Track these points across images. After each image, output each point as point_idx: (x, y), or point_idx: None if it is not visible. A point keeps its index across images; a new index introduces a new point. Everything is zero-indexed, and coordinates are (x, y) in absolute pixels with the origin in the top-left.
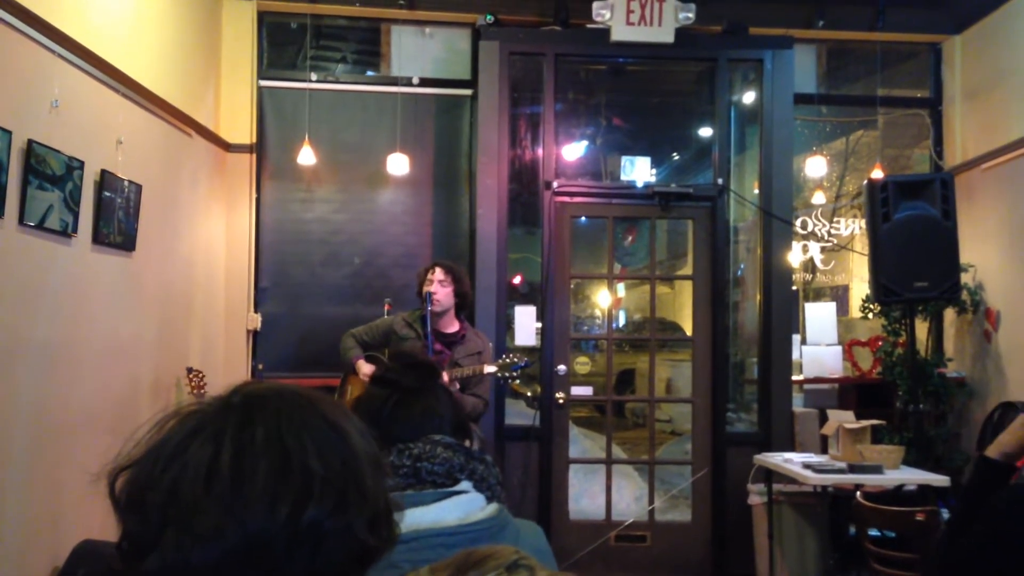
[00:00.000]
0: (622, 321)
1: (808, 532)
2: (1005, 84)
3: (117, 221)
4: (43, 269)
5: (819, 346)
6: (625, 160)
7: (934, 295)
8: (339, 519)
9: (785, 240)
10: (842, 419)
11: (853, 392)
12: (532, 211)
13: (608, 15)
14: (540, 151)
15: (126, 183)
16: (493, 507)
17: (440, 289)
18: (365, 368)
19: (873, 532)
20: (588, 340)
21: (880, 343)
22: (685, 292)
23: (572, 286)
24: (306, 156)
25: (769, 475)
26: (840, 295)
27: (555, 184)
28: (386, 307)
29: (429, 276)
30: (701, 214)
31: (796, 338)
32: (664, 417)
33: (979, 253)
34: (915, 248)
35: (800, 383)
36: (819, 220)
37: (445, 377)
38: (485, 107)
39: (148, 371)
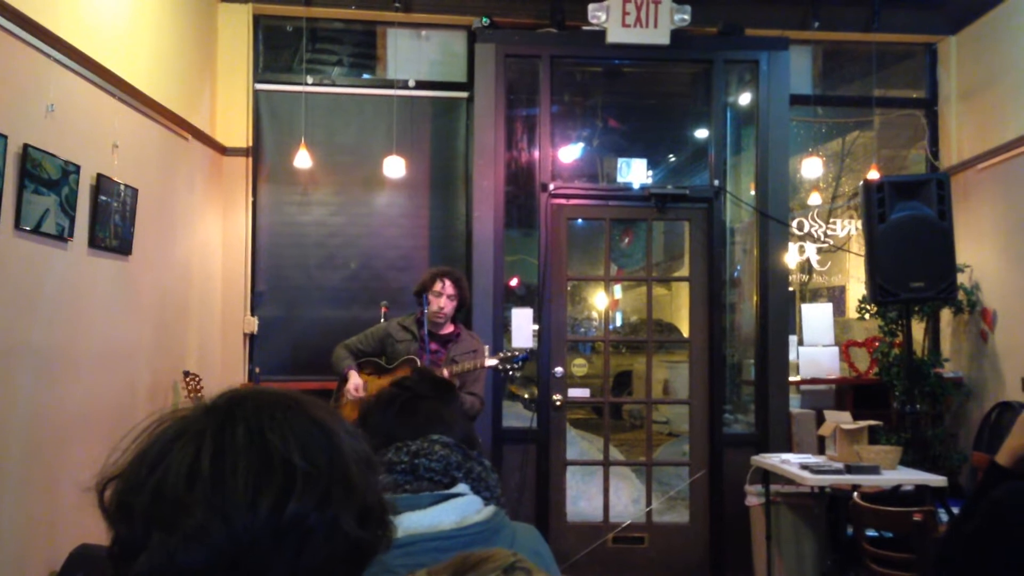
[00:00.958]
0: (619, 323)
1: (805, 533)
2: (1001, 84)
3: (113, 225)
4: (39, 273)
5: (816, 347)
6: (621, 162)
7: (930, 295)
8: (324, 513)
9: (781, 241)
10: (839, 420)
11: (850, 393)
12: (528, 213)
13: (604, 17)
14: (536, 153)
15: (122, 187)
16: (490, 509)
17: (447, 304)
18: (353, 381)
19: (870, 533)
20: (585, 342)
21: (877, 344)
22: (682, 293)
23: (569, 288)
24: (302, 159)
25: (766, 476)
26: (837, 296)
27: (551, 186)
28: (383, 309)
29: (437, 288)
30: (697, 215)
31: (793, 339)
32: (661, 419)
33: (975, 253)
34: (911, 248)
35: (797, 384)
36: (815, 221)
37: (445, 372)
38: (481, 109)
39: (145, 375)
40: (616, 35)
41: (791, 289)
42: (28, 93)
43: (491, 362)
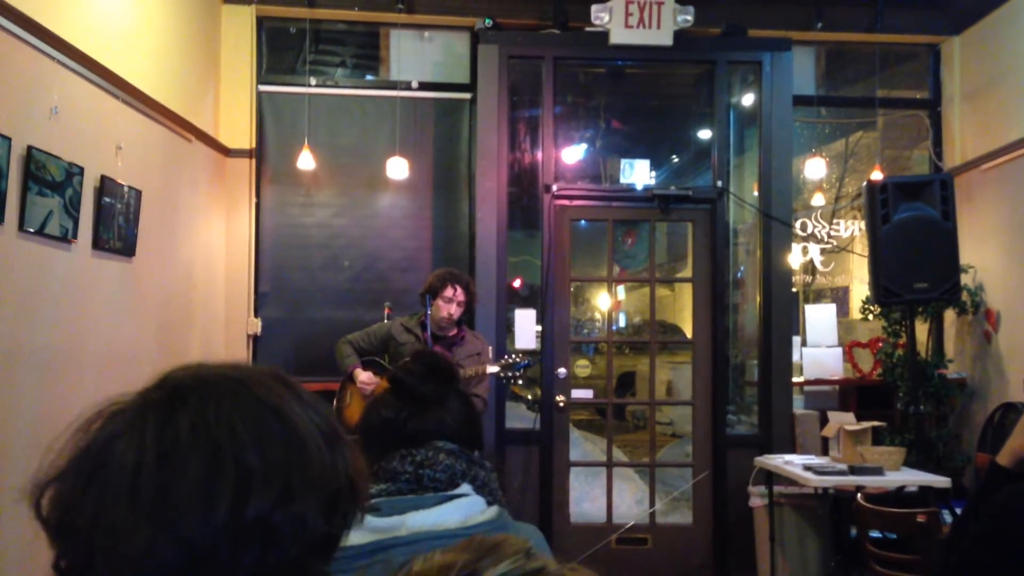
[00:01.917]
0: (622, 324)
1: (809, 534)
2: (1004, 84)
3: (117, 227)
4: (43, 275)
5: (819, 348)
6: (624, 163)
7: (934, 296)
8: (287, 510)
9: (785, 242)
10: (843, 421)
11: (853, 394)
12: (532, 214)
13: (607, 18)
14: (539, 154)
15: (126, 189)
16: (494, 510)
17: (457, 311)
18: (362, 376)
19: (874, 534)
20: (588, 343)
21: (880, 344)
22: (685, 294)
23: (572, 289)
24: (305, 160)
25: (770, 477)
26: (840, 296)
27: (554, 187)
28: (386, 311)
29: (447, 294)
30: (700, 216)
31: (796, 340)
32: (665, 419)
33: (979, 254)
34: (915, 249)
35: (800, 385)
36: (819, 222)
37: None
38: (484, 111)
39: (148, 376)
40: (619, 36)
41: (794, 290)
42: (32, 95)
43: (493, 369)
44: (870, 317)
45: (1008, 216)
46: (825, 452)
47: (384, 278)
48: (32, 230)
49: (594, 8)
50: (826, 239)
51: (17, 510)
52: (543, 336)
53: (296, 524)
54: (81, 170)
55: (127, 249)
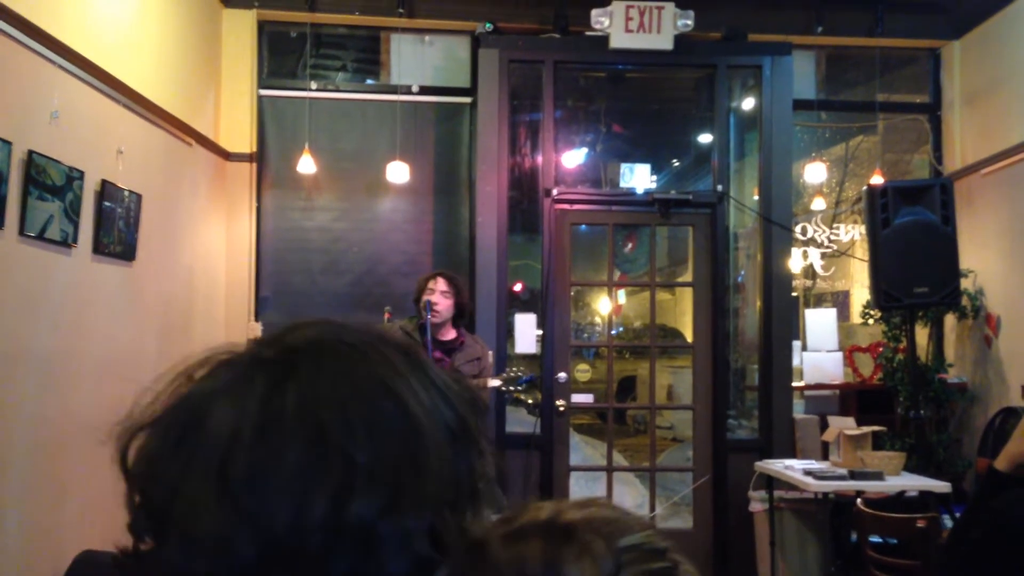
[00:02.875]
0: (623, 328)
1: (810, 539)
2: (1004, 89)
3: (117, 231)
4: (43, 279)
5: (820, 352)
6: (625, 167)
7: (934, 301)
8: (393, 520)
9: (785, 246)
10: (843, 425)
11: (854, 398)
12: (532, 218)
13: (607, 22)
14: (540, 158)
15: (126, 193)
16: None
17: (442, 300)
18: None
19: (874, 539)
20: (589, 347)
21: (881, 349)
22: (686, 298)
23: (572, 293)
24: (306, 165)
25: (770, 482)
26: (841, 301)
27: (555, 191)
28: (386, 315)
29: (430, 285)
30: (701, 221)
31: (797, 344)
32: (666, 424)
33: (979, 258)
34: (915, 254)
35: (801, 389)
36: (819, 226)
37: None
38: (485, 115)
39: (148, 381)
40: (619, 40)
41: (795, 294)
42: (32, 99)
43: (494, 383)
44: (870, 321)
45: (1008, 220)
46: (825, 457)
47: (384, 282)
48: (32, 235)
49: (594, 12)
50: (826, 243)
51: (17, 510)
52: (543, 340)
53: (401, 539)
54: (81, 174)
55: (127, 253)
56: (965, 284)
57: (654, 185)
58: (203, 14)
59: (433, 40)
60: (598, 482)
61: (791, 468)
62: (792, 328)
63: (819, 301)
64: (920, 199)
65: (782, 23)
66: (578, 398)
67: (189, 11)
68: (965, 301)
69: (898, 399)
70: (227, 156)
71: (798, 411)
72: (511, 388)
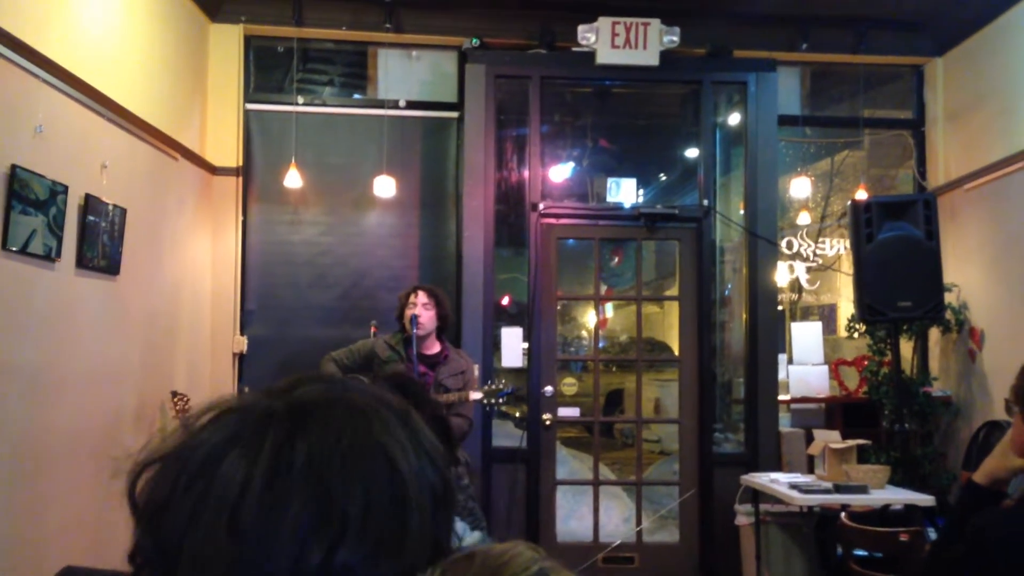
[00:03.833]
0: (610, 342)
1: (795, 552)
2: (986, 105)
3: (101, 245)
4: (27, 294)
5: (805, 366)
6: (611, 181)
7: (918, 314)
8: (372, 569)
9: (771, 260)
10: (828, 439)
11: (839, 411)
12: (519, 232)
13: (593, 38)
14: (526, 173)
15: (110, 207)
16: (476, 535)
17: (424, 312)
18: None
19: (860, 552)
20: (576, 361)
21: (866, 362)
22: (673, 312)
23: (559, 307)
24: (293, 179)
25: (756, 495)
26: (827, 315)
27: (541, 206)
28: (372, 329)
29: (412, 299)
30: (687, 235)
31: (783, 357)
32: (653, 437)
33: (963, 273)
34: (899, 268)
35: (787, 403)
36: (805, 240)
37: None
38: (471, 129)
39: (132, 395)
40: (605, 56)
41: (781, 308)
42: (16, 113)
43: (476, 396)
44: (856, 335)
45: (991, 235)
46: (811, 470)
47: (371, 296)
48: (15, 249)
49: (581, 28)
50: (812, 257)
51: (6, 517)
52: (530, 354)
53: None
54: (65, 188)
55: (112, 267)
56: (949, 298)
57: (640, 200)
58: (189, 28)
59: (420, 55)
60: (585, 496)
61: (777, 482)
62: (778, 341)
63: (805, 314)
64: (904, 214)
65: (767, 40)
66: (565, 411)
67: (175, 25)
68: (949, 315)
69: (883, 412)
70: (213, 170)
71: (784, 424)
72: (493, 401)
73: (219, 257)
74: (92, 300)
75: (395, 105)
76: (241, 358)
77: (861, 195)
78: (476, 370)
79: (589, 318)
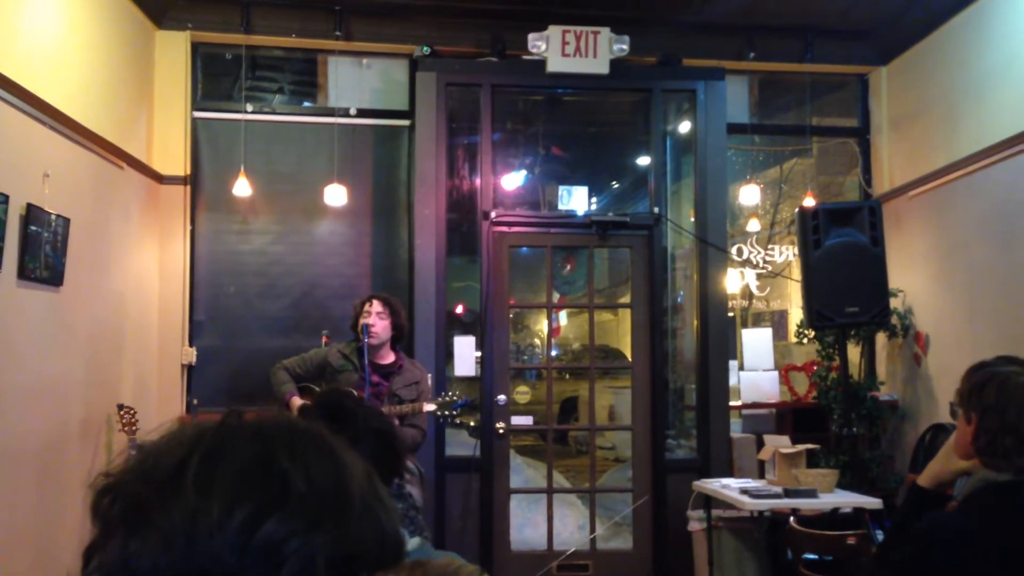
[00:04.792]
0: (563, 349)
1: (747, 557)
2: (929, 114)
3: (44, 256)
4: None
5: (756, 371)
6: (563, 189)
7: (865, 320)
8: (305, 543)
9: (721, 267)
10: (778, 444)
11: (790, 416)
12: (471, 240)
13: (544, 47)
14: (478, 181)
15: (53, 217)
16: (416, 540)
17: (378, 321)
18: (297, 404)
19: (810, 556)
20: (529, 369)
21: (815, 368)
22: (627, 319)
23: (512, 315)
24: (242, 188)
25: (708, 501)
26: (777, 321)
27: (493, 214)
28: (324, 339)
29: (366, 308)
30: (638, 243)
31: (734, 364)
32: (607, 444)
33: (908, 278)
34: (845, 274)
35: (738, 408)
36: (755, 247)
37: (385, 411)
38: (423, 137)
39: (77, 409)
40: (556, 64)
41: (731, 314)
42: None
43: (430, 407)
44: (805, 341)
45: (935, 241)
46: (762, 475)
47: (322, 306)
48: None
49: (531, 37)
50: (762, 264)
51: None
52: (483, 363)
53: (306, 562)
54: (6, 198)
55: (55, 279)
56: (894, 303)
57: (592, 207)
58: (135, 35)
59: (371, 63)
60: (540, 503)
61: (728, 487)
62: (729, 348)
63: (756, 321)
64: (850, 221)
65: (715, 49)
66: (518, 420)
67: (120, 32)
68: (895, 320)
69: (832, 417)
70: (160, 179)
71: (735, 430)
72: (447, 412)
73: (167, 267)
74: (34, 312)
75: (346, 113)
76: (190, 370)
77: (809, 202)
78: (430, 380)
79: (542, 326)
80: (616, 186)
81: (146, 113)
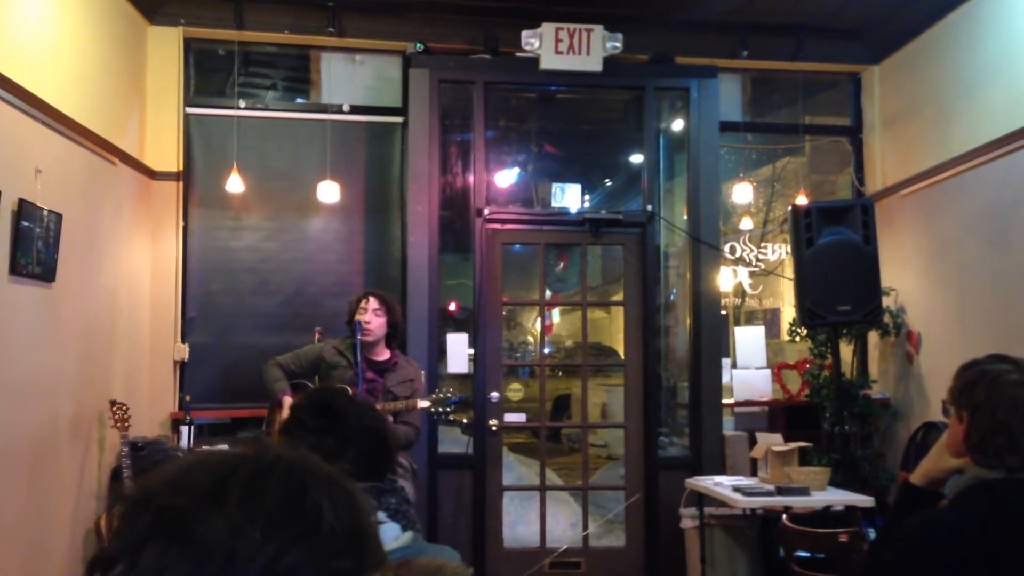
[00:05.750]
0: (556, 347)
1: (739, 555)
2: (921, 113)
3: (36, 251)
4: None
5: (749, 369)
6: (556, 187)
7: (857, 318)
8: (319, 571)
9: (714, 265)
10: (770, 442)
11: (782, 414)
12: (464, 238)
13: (537, 44)
14: (471, 178)
15: (45, 213)
16: (408, 535)
17: (374, 318)
18: (290, 402)
19: (802, 553)
20: (522, 366)
21: (807, 366)
22: (620, 317)
23: (505, 313)
24: (234, 184)
25: (701, 498)
26: (770, 319)
27: (486, 211)
28: (316, 336)
29: (362, 305)
30: (631, 240)
31: (726, 361)
32: (599, 442)
33: (900, 277)
34: (838, 272)
35: (731, 406)
36: (747, 245)
37: (379, 407)
38: (415, 134)
39: (69, 405)
40: (549, 62)
41: (724, 312)
42: None
43: (424, 404)
44: (798, 339)
45: (927, 240)
46: (754, 473)
47: (315, 303)
48: None
49: (524, 34)
50: (754, 262)
51: None
52: (475, 360)
53: None
54: None
55: (47, 274)
56: (887, 302)
57: (586, 205)
58: (127, 31)
59: (364, 59)
60: (533, 501)
61: (720, 485)
62: (722, 346)
63: (749, 319)
64: (842, 219)
65: (708, 47)
66: (511, 417)
67: (112, 27)
68: (887, 319)
69: (824, 415)
70: (153, 175)
71: (728, 428)
72: (441, 409)
73: (159, 263)
74: (26, 308)
75: (339, 110)
76: (182, 366)
77: (801, 201)
78: (424, 378)
79: (535, 323)
80: (609, 184)
81: (138, 109)
